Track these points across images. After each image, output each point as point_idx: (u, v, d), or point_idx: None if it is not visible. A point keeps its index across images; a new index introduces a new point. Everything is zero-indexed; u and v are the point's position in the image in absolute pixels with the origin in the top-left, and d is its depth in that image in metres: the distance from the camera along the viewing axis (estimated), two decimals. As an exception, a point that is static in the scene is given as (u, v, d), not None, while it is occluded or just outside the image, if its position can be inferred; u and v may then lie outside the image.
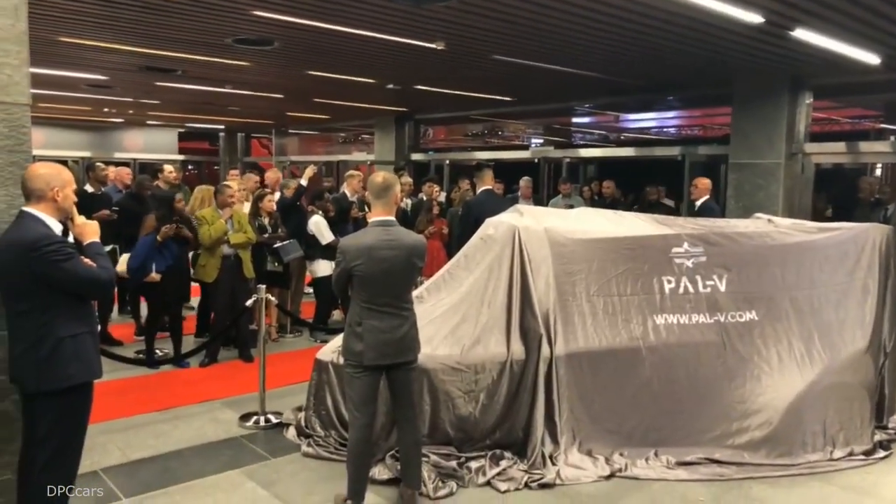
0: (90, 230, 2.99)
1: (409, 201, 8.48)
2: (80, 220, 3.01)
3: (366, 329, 3.43)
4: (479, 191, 6.37)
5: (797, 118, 7.78)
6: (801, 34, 5.47)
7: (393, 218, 3.56)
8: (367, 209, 7.53)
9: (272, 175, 8.31)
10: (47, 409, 2.80)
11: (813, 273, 4.69)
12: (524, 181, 8.74)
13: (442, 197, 9.09)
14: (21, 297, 2.75)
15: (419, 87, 9.13)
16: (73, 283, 2.77)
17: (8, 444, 3.10)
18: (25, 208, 2.83)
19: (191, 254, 6.42)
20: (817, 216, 7.45)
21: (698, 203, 6.93)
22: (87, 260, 2.85)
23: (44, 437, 2.81)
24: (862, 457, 4.30)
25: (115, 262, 5.98)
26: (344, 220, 7.38)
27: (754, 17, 4.93)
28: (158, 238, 5.85)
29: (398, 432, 3.75)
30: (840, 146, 7.95)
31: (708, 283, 4.56)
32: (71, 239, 3.01)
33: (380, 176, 3.58)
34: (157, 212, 6.10)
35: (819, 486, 4.00)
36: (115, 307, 7.74)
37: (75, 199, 2.96)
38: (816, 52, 6.09)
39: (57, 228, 2.84)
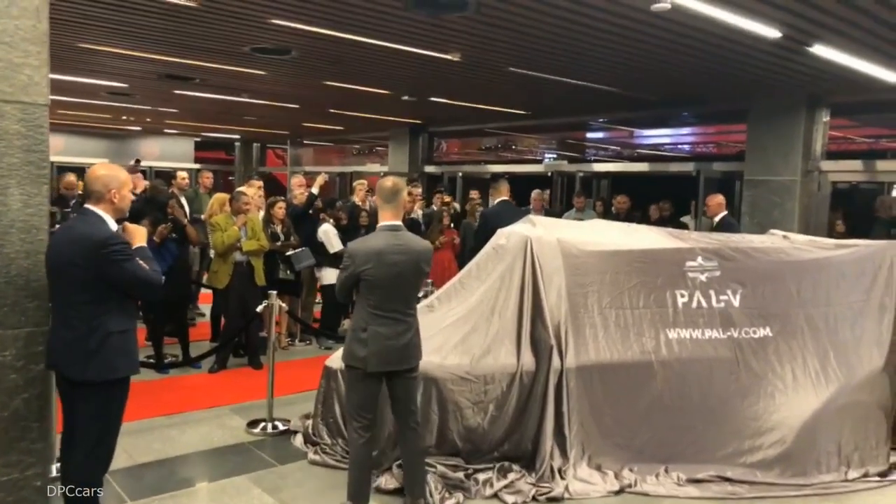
0: (139, 235, 3.13)
1: (420, 212, 8.48)
2: (129, 226, 3.16)
3: (370, 335, 3.41)
4: (495, 202, 6.34)
5: (814, 136, 7.73)
6: (820, 50, 5.43)
7: (401, 223, 3.57)
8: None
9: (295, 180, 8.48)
10: (90, 398, 2.90)
11: (829, 290, 4.62)
12: (535, 193, 8.72)
13: (457, 207, 9.09)
14: (80, 289, 2.86)
15: (434, 98, 9.15)
16: (128, 282, 2.91)
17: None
18: (88, 206, 2.97)
19: (200, 258, 6.39)
20: (833, 234, 7.38)
21: (716, 218, 6.89)
22: (141, 262, 2.96)
23: (86, 425, 2.93)
24: (877, 478, 4.22)
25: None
26: (356, 227, 7.40)
27: (773, 33, 4.91)
28: (156, 239, 5.84)
29: (400, 440, 3.72)
30: (857, 164, 7.86)
31: (722, 297, 4.52)
32: None
33: (389, 180, 3.59)
34: (149, 217, 6.09)
35: (833, 508, 3.92)
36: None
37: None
38: (834, 69, 6.05)
39: (114, 227, 2.98)
